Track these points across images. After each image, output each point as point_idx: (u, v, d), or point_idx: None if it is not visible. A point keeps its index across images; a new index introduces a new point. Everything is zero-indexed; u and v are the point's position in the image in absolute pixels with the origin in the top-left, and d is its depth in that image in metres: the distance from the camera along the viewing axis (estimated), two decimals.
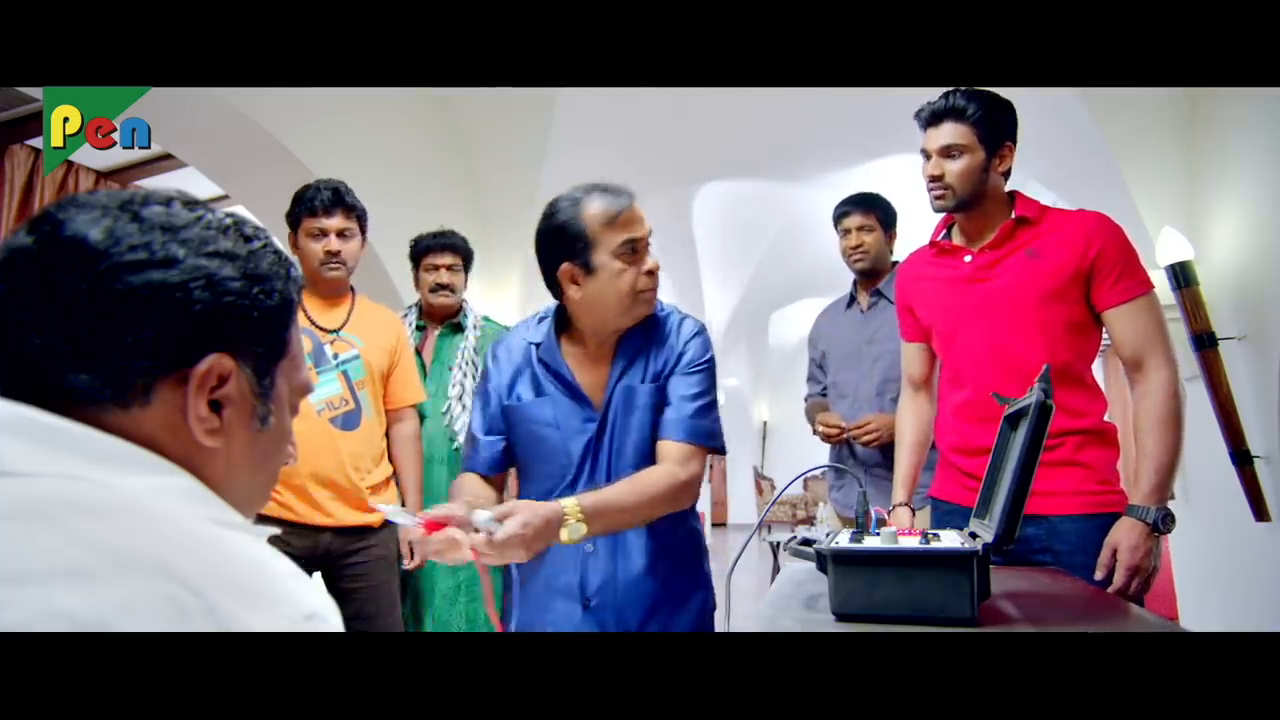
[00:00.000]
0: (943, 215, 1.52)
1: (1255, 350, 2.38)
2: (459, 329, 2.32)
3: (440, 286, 2.26)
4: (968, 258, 1.46)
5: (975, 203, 1.44)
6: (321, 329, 1.88)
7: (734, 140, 4.38)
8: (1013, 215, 1.43)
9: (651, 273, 1.23)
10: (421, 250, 2.31)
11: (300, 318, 1.97)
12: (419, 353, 2.26)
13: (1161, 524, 1.29)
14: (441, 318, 2.32)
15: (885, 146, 4.64)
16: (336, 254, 1.87)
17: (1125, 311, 1.35)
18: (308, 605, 0.45)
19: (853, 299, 2.29)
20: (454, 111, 3.57)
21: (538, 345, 1.29)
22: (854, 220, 2.20)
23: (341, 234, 1.88)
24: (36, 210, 0.82)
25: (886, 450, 2.06)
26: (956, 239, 1.52)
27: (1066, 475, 1.37)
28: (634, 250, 1.21)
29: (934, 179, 1.44)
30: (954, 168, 1.41)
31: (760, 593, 2.77)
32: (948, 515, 1.50)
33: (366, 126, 3.15)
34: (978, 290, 1.44)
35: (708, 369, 1.28)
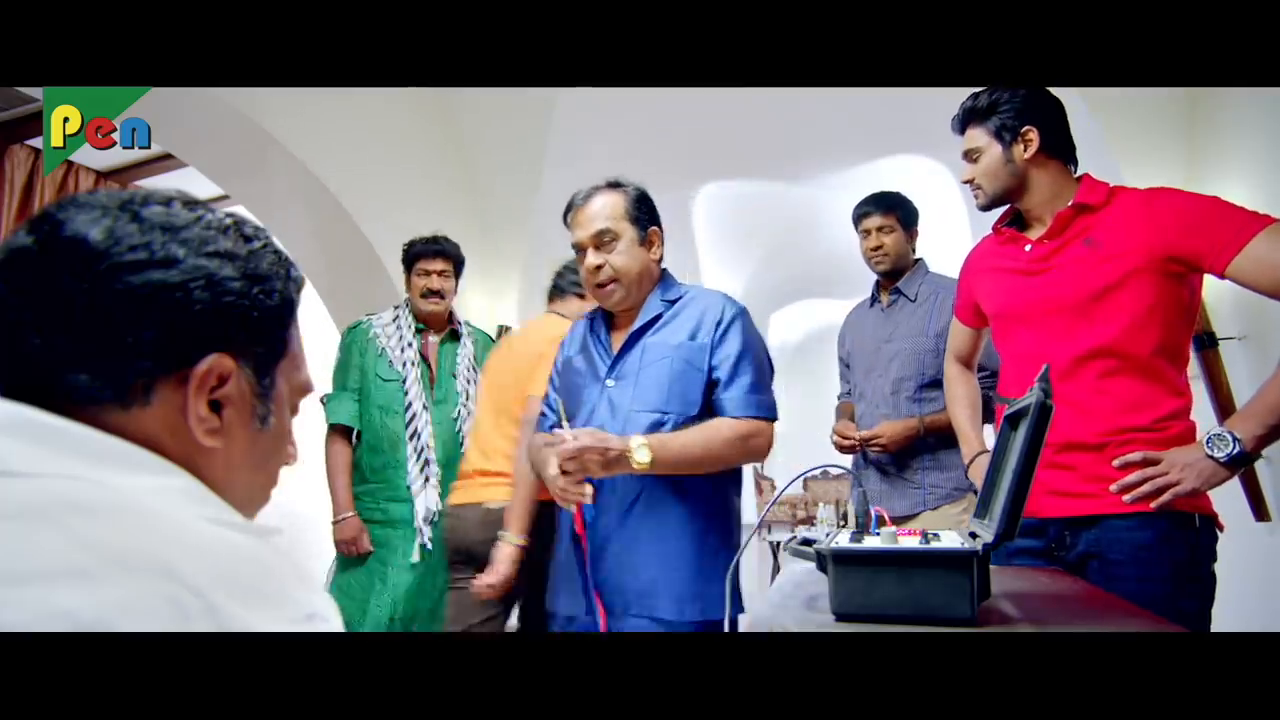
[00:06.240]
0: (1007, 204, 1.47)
1: (1255, 350, 2.38)
2: (456, 336, 2.38)
3: (431, 292, 2.30)
4: (1027, 247, 1.39)
5: (1012, 195, 1.40)
6: None
7: (734, 140, 4.37)
8: (1070, 202, 1.34)
9: (590, 269, 1.45)
10: (414, 256, 2.33)
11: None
12: (425, 359, 2.30)
13: (1210, 446, 1.17)
14: (435, 323, 2.36)
15: (886, 147, 4.64)
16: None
17: (1243, 261, 1.21)
18: (308, 605, 0.45)
19: (875, 298, 2.26)
20: (454, 112, 3.57)
21: (593, 320, 1.56)
22: (874, 221, 2.17)
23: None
24: (36, 210, 0.82)
25: (899, 457, 2.07)
26: (1022, 227, 1.45)
27: (1127, 474, 1.25)
28: (579, 249, 1.48)
29: (966, 183, 1.44)
30: (978, 169, 1.41)
31: (760, 593, 2.77)
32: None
33: (366, 127, 3.15)
34: (1034, 284, 1.37)
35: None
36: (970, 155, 1.42)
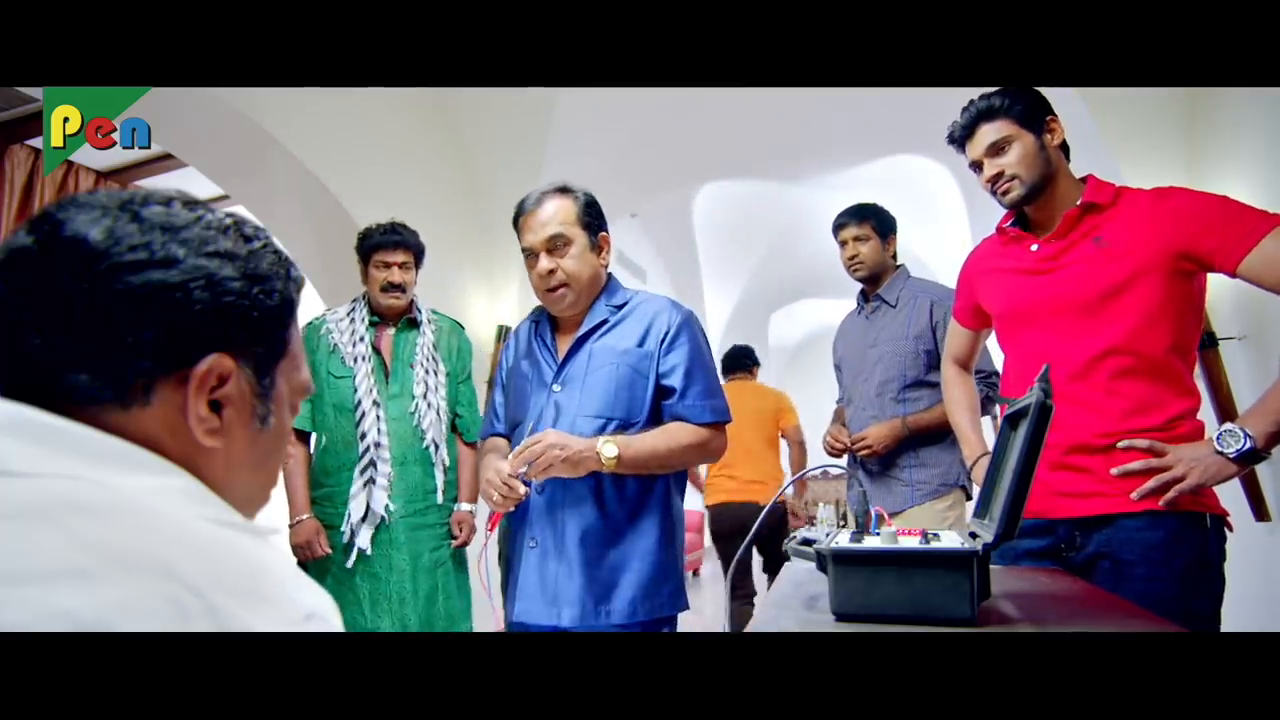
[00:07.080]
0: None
1: (1255, 350, 2.38)
2: (414, 324, 2.25)
3: (391, 286, 2.17)
4: (1034, 246, 1.38)
5: (1046, 185, 1.36)
6: None
7: (734, 140, 4.38)
8: (1078, 202, 1.34)
9: (542, 274, 1.44)
10: (371, 246, 2.20)
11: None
12: (377, 351, 2.18)
13: (1219, 442, 1.18)
14: (392, 315, 2.24)
15: (886, 147, 4.64)
16: None
17: (1254, 260, 1.20)
18: (307, 605, 0.45)
19: (861, 306, 2.35)
20: (454, 112, 3.57)
21: (537, 323, 1.55)
22: (849, 232, 2.27)
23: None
24: (36, 210, 0.82)
25: (885, 456, 2.15)
26: (1026, 227, 1.43)
27: (1139, 476, 1.25)
28: (530, 254, 1.45)
29: (995, 178, 1.38)
30: (1010, 159, 1.36)
31: (760, 593, 2.79)
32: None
33: (366, 127, 3.15)
34: (1042, 283, 1.36)
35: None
36: (998, 148, 1.36)
